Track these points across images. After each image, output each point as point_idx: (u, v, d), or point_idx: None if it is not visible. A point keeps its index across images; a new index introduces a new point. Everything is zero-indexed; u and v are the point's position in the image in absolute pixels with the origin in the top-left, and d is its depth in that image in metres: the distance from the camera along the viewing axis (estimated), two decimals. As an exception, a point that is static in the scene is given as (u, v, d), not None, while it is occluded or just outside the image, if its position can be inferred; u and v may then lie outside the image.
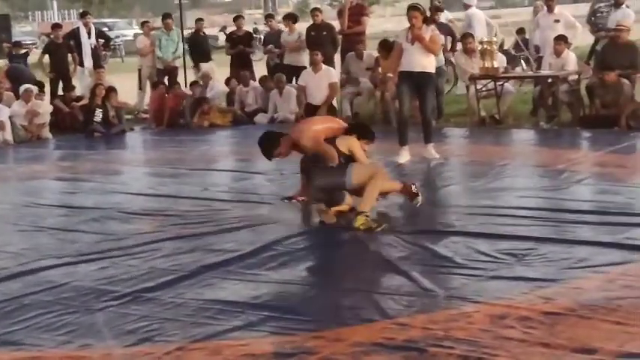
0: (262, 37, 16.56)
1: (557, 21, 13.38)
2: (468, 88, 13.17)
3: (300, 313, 4.89)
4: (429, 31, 9.61)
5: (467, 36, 13.32)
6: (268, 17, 16.94)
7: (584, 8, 14.23)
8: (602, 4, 13.49)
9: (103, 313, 5.06)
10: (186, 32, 17.96)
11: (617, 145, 9.84)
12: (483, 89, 12.76)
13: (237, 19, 16.75)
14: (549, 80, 12.18)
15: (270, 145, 7.43)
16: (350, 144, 7.18)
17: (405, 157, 9.70)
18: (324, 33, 14.75)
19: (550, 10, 13.56)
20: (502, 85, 12.68)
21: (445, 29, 14.07)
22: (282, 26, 15.99)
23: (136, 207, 8.08)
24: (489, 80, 12.62)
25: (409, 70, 9.65)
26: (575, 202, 7.61)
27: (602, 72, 11.67)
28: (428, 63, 9.64)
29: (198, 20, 17.41)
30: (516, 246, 6.06)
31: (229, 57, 16.07)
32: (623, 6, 12.95)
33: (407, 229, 6.74)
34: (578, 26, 13.55)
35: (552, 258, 5.75)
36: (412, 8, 9.66)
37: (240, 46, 15.65)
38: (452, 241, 6.31)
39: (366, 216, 6.77)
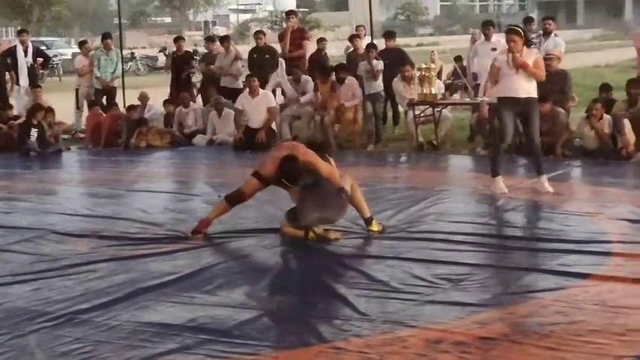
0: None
1: (494, 49, 13.56)
2: (406, 113, 13.30)
3: (236, 337, 4.87)
4: (532, 55, 9.11)
5: (405, 63, 13.45)
6: (208, 40, 16.94)
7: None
8: (532, 35, 13.72)
9: (36, 335, 4.98)
10: (125, 52, 17.86)
11: (552, 173, 9.99)
12: (421, 115, 12.90)
13: (177, 40, 16.73)
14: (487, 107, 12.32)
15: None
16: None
17: (501, 188, 9.17)
18: (267, 56, 14.81)
19: (487, 38, 13.77)
20: (440, 111, 12.84)
21: (398, 54, 14.19)
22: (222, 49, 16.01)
23: (71, 227, 7.98)
24: (427, 106, 12.77)
25: (514, 97, 9.02)
26: (510, 228, 7.74)
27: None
28: (532, 88, 9.07)
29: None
30: (452, 271, 6.11)
31: (169, 77, 16.03)
32: (552, 35, 13.19)
33: (344, 253, 6.77)
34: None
35: (487, 283, 5.83)
36: (510, 31, 9.12)
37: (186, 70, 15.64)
38: (388, 265, 6.34)
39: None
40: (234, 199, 7.55)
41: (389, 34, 14.81)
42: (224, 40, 15.85)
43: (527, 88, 9.04)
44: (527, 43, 9.19)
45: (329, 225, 7.34)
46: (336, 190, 7.22)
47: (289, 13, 15.82)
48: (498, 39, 13.99)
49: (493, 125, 12.00)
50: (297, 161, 7.17)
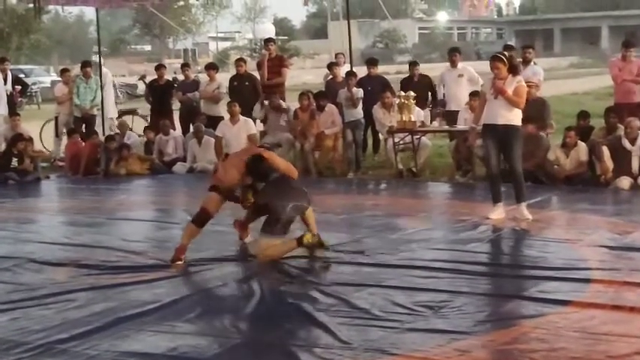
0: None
1: (460, 75, 13.74)
2: (386, 141, 13.35)
3: (216, 366, 4.85)
4: (513, 83, 9.03)
5: (385, 90, 13.51)
6: (184, 66, 16.94)
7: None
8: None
9: (13, 366, 4.95)
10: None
11: (530, 200, 10.03)
12: (401, 142, 12.95)
13: (158, 68, 16.71)
14: (465, 135, 12.38)
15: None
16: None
17: (498, 213, 9.24)
18: (247, 83, 14.87)
19: (453, 65, 13.90)
20: (419, 138, 12.89)
21: (379, 82, 14.25)
22: (201, 76, 16.02)
23: (49, 256, 7.93)
24: (407, 134, 12.82)
25: (493, 124, 9.11)
26: (489, 255, 7.76)
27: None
28: (513, 116, 9.04)
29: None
30: (432, 298, 6.12)
31: (148, 106, 16.02)
32: (532, 63, 13.29)
33: (324, 281, 6.76)
34: (481, 81, 13.85)
35: (467, 310, 5.83)
36: (494, 58, 9.16)
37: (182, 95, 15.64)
38: (369, 293, 6.34)
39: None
40: (200, 218, 7.62)
41: (371, 62, 14.87)
42: (209, 67, 15.83)
43: (507, 115, 9.04)
44: (513, 70, 9.11)
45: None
46: (295, 179, 7.64)
47: (268, 41, 15.86)
48: (464, 66, 14.15)
49: (471, 153, 12.12)
50: (264, 160, 7.45)
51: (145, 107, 17.60)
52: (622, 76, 12.92)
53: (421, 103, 13.41)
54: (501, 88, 8.98)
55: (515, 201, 9.36)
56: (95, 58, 19.66)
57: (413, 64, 14.78)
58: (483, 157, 11.95)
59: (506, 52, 9.61)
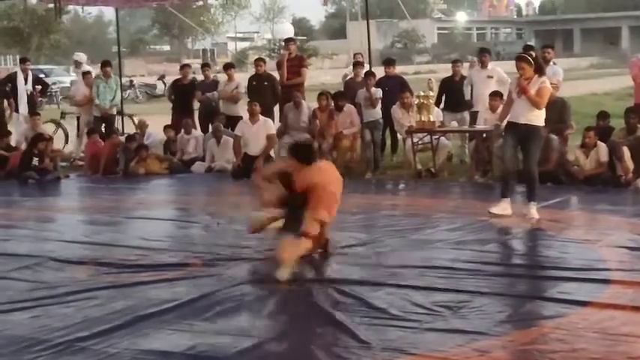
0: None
1: (490, 77, 13.64)
2: (404, 141, 13.33)
3: (235, 364, 4.87)
4: (537, 84, 9.12)
5: (404, 90, 13.50)
6: (204, 66, 16.93)
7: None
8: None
9: (34, 363, 4.98)
10: (124, 80, 17.91)
11: (550, 200, 10.02)
12: (419, 143, 12.93)
13: (183, 67, 16.75)
14: (484, 135, 12.35)
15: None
16: None
17: (503, 209, 9.33)
18: (266, 83, 14.85)
19: (483, 65, 13.83)
20: (438, 138, 12.87)
21: (397, 82, 14.24)
22: (219, 76, 16.03)
23: (70, 255, 7.97)
24: (425, 134, 12.80)
25: (514, 122, 9.27)
26: (508, 256, 7.74)
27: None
28: (534, 116, 9.13)
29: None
30: (451, 298, 6.11)
31: (168, 105, 16.04)
32: (551, 63, 13.23)
33: (343, 281, 6.76)
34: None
35: (487, 311, 5.82)
36: (519, 59, 9.31)
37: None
38: (387, 293, 6.34)
39: None
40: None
41: (389, 62, 14.86)
42: (228, 67, 15.85)
43: (528, 115, 9.13)
44: (539, 70, 9.21)
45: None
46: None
47: (288, 41, 15.87)
48: (494, 67, 14.07)
49: (491, 153, 12.09)
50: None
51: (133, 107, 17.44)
52: (642, 76, 12.84)
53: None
54: (525, 87, 9.07)
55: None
56: (115, 58, 19.67)
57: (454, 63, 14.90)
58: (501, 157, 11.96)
59: (532, 53, 9.59)
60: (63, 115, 18.79)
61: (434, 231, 8.76)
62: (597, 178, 11.40)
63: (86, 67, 17.24)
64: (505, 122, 9.60)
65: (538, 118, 9.19)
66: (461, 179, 12.58)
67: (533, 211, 9.25)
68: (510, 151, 9.41)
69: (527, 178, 9.41)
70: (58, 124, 16.98)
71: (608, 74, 41.14)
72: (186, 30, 66.73)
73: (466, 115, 13.82)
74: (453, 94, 14.13)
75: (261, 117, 13.71)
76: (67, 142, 15.58)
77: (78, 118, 16.29)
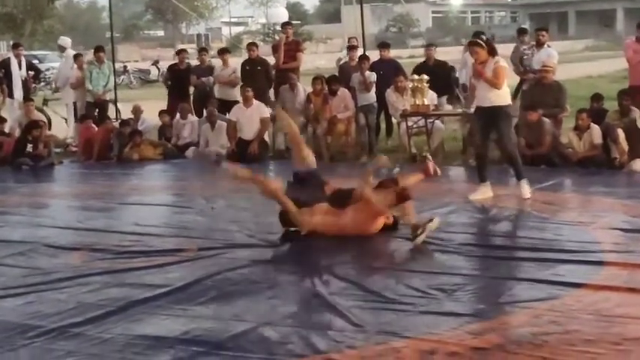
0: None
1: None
2: (399, 125, 13.32)
3: (229, 349, 4.86)
4: (491, 65, 9.24)
5: (398, 74, 13.47)
6: (202, 51, 16.85)
7: (511, 47, 14.48)
8: (525, 47, 13.73)
9: (28, 349, 4.97)
10: (117, 65, 17.84)
11: (544, 183, 10.02)
12: (414, 126, 12.92)
13: (180, 52, 16.69)
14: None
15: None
16: None
17: (483, 193, 9.44)
18: (259, 68, 14.81)
19: (480, 48, 13.76)
20: (432, 122, 12.85)
21: (392, 65, 14.19)
22: (214, 61, 15.99)
23: (63, 241, 7.97)
24: (420, 117, 12.78)
25: (480, 106, 9.45)
26: (503, 238, 7.74)
27: (527, 112, 11.88)
28: (496, 97, 9.24)
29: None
30: (446, 281, 6.11)
31: (163, 90, 15.99)
32: (545, 46, 13.21)
33: (337, 264, 6.76)
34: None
35: (481, 294, 5.83)
36: (471, 44, 9.60)
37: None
38: (382, 276, 6.34)
39: None
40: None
41: (384, 45, 14.84)
42: (223, 52, 15.78)
43: (490, 97, 9.27)
44: (492, 52, 9.34)
45: None
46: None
47: (286, 24, 15.83)
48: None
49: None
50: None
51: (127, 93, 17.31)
52: (637, 58, 12.83)
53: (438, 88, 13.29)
54: (480, 71, 9.24)
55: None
56: (108, 43, 19.53)
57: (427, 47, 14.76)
58: (497, 141, 11.96)
59: (482, 37, 9.86)
60: (45, 101, 18.72)
61: (428, 214, 8.73)
62: (591, 160, 11.39)
63: (70, 52, 17.16)
64: (473, 108, 9.75)
65: (500, 97, 9.30)
66: (455, 162, 12.57)
67: (525, 189, 9.33)
68: (482, 135, 9.54)
69: (509, 159, 9.59)
70: (41, 111, 16.94)
71: (603, 57, 41.07)
72: (180, 15, 66.56)
73: (443, 99, 13.70)
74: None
75: (255, 101, 13.68)
76: (49, 128, 15.49)
77: (75, 104, 16.22)
